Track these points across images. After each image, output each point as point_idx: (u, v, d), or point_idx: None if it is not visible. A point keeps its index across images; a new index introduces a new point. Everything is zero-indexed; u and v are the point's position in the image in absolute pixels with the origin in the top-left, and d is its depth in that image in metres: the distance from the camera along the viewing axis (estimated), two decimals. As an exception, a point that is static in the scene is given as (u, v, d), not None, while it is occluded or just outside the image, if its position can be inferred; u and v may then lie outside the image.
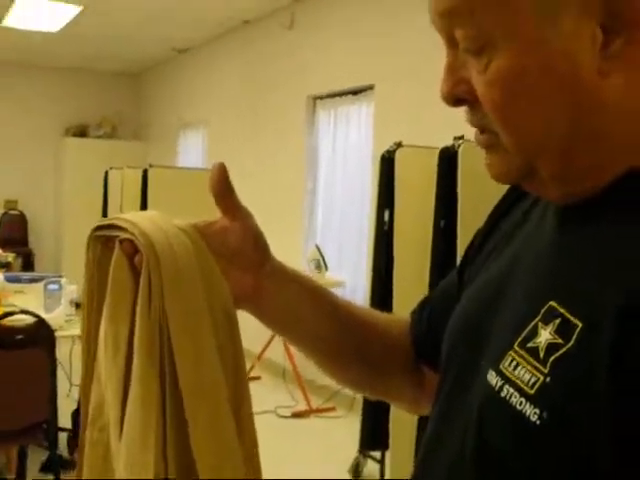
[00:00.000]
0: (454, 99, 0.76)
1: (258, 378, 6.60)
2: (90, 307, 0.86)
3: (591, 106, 0.70)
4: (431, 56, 5.12)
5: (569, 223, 0.76)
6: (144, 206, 7.62)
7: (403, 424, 3.93)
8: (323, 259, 5.91)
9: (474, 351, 0.79)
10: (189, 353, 0.77)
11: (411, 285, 3.99)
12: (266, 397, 6.03)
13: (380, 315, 1.12)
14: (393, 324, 1.10)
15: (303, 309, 1.01)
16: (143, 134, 11.13)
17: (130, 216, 0.83)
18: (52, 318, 3.99)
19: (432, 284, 3.78)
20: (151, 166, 7.77)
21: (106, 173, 8.92)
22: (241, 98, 8.20)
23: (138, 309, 0.78)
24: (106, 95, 11.18)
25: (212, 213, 0.93)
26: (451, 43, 0.75)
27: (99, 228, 0.86)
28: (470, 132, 0.79)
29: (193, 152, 9.60)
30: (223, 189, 0.92)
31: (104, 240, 0.86)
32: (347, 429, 5.21)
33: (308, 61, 6.91)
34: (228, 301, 0.83)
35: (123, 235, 0.81)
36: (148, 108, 11.05)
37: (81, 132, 10.99)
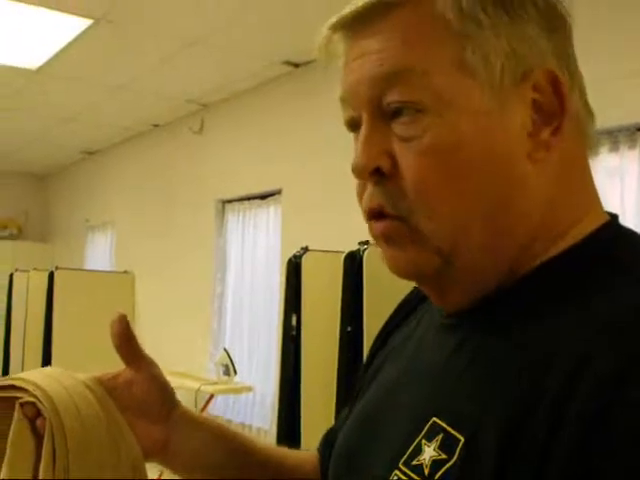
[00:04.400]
0: (370, 170, 0.72)
1: (166, 486, 6.40)
2: None
3: (518, 189, 0.71)
4: (337, 162, 5.24)
5: (452, 336, 0.76)
6: (50, 309, 7.46)
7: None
8: (232, 363, 5.84)
9: (357, 472, 0.79)
10: None
11: (319, 392, 3.98)
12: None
13: (293, 453, 1.10)
14: (307, 461, 1.07)
15: (214, 456, 0.98)
16: (50, 235, 10.95)
17: (31, 376, 0.81)
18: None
19: (339, 389, 3.78)
20: (57, 268, 7.66)
21: (11, 275, 8.73)
22: (149, 200, 8.19)
23: (41, 478, 0.75)
24: (12, 195, 10.99)
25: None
26: (375, 112, 0.73)
27: None
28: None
29: (101, 254, 9.46)
30: (125, 340, 0.90)
31: (3, 400, 0.81)
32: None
33: (217, 165, 6.98)
34: (137, 458, 0.82)
35: (24, 398, 0.78)
36: (55, 209, 10.91)
37: (-15, 233, 10.76)
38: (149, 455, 0.89)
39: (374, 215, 0.74)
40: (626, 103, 3.46)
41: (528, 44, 0.71)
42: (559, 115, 0.72)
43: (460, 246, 0.71)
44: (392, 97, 0.71)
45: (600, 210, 0.76)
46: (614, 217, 0.77)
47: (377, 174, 0.72)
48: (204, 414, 5.68)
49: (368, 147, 0.72)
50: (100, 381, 0.86)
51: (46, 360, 7.29)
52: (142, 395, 0.90)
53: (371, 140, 0.73)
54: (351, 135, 0.78)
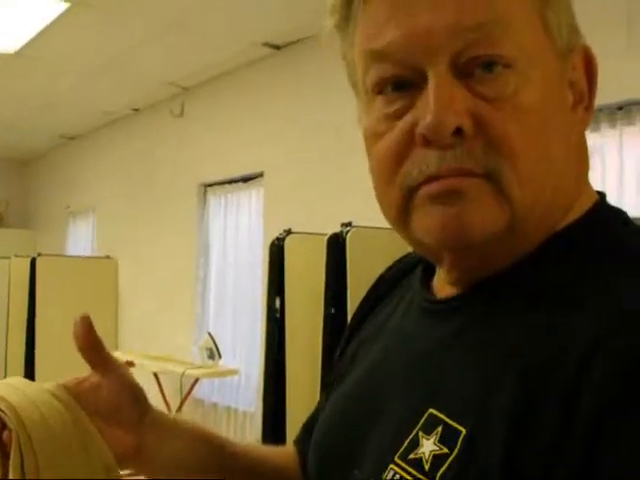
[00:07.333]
0: (452, 130, 0.65)
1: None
2: None
3: (571, 158, 0.71)
4: (318, 144, 5.24)
5: (448, 322, 0.73)
6: (32, 295, 7.43)
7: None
8: (216, 347, 5.83)
9: (345, 461, 0.76)
10: None
11: (304, 374, 3.99)
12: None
13: (275, 450, 1.08)
14: (289, 461, 1.02)
15: (191, 460, 0.94)
16: (31, 222, 10.88)
17: None
18: None
19: (324, 372, 3.78)
20: (40, 255, 7.62)
21: (-8, 263, 8.68)
22: (131, 185, 8.14)
23: None
24: (-8, 182, 10.91)
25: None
26: (452, 66, 0.66)
27: None
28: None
29: (82, 239, 9.42)
30: (89, 343, 0.85)
31: None
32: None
33: (198, 149, 6.94)
34: (109, 463, 0.79)
35: None
36: (36, 195, 10.83)
37: (-34, 220, 10.67)
38: (122, 460, 0.84)
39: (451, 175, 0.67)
40: (607, 82, 3.47)
41: (574, 18, 0.71)
42: (587, 94, 0.72)
43: (535, 210, 0.68)
44: (480, 50, 0.65)
45: (590, 186, 0.76)
46: (602, 195, 0.76)
47: (456, 134, 0.65)
48: (189, 398, 5.64)
49: (449, 104, 0.65)
50: (65, 387, 0.82)
51: (30, 346, 7.27)
52: (110, 399, 0.86)
53: (451, 97, 0.65)
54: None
